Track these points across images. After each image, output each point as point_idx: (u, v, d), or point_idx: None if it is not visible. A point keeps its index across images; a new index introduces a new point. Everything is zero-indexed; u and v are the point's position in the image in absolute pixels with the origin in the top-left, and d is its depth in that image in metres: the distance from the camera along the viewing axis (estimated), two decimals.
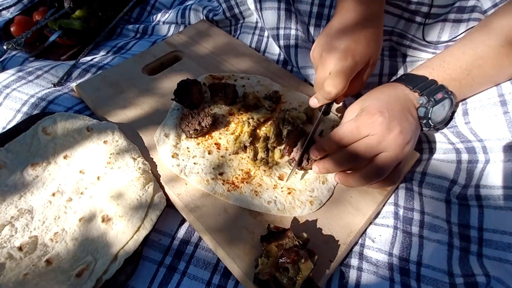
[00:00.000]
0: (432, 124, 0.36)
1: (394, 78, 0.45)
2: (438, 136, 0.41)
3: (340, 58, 0.35)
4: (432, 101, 0.35)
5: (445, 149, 0.40)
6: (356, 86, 0.39)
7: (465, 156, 0.38)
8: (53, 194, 0.38)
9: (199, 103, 0.45)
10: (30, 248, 0.34)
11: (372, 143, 0.32)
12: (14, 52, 0.57)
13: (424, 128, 0.37)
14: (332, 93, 0.35)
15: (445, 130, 0.39)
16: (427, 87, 0.35)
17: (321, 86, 0.37)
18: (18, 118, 0.45)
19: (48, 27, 0.58)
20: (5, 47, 0.52)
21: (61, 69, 0.52)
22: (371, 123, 0.32)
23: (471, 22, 0.43)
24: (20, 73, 0.49)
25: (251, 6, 0.55)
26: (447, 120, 0.37)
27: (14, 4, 0.64)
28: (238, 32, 0.60)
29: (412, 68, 0.41)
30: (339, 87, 0.35)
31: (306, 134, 0.39)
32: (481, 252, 0.34)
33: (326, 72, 0.36)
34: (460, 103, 0.38)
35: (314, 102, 0.39)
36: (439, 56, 0.38)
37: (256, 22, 0.59)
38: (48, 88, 0.49)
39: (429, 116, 0.35)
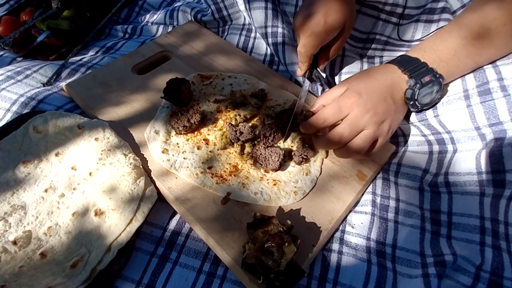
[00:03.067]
0: (419, 106, 0.39)
1: None
2: (412, 129, 0.44)
3: (314, 22, 0.40)
4: (419, 84, 0.37)
5: (418, 141, 0.43)
6: (334, 50, 0.44)
7: (436, 147, 0.41)
8: (46, 190, 0.39)
9: (187, 101, 0.47)
10: (24, 242, 0.35)
11: (353, 123, 0.36)
12: (1, 52, 0.57)
13: (412, 109, 0.40)
14: (302, 51, 0.40)
15: (417, 123, 0.42)
16: (417, 70, 0.38)
17: None
18: (8, 117, 0.45)
19: (36, 27, 0.58)
20: None
21: (50, 69, 0.53)
22: (350, 104, 0.37)
23: (441, 22, 0.46)
24: (9, 73, 0.50)
25: (241, 7, 0.57)
26: (435, 102, 0.40)
27: (1, 5, 0.64)
28: (226, 33, 0.62)
29: None
30: (309, 47, 0.40)
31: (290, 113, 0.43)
32: (450, 234, 0.37)
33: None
34: None
35: (298, 71, 0.44)
36: (430, 39, 0.41)
37: (243, 24, 0.61)
38: (38, 88, 0.49)
39: (416, 97, 0.38)
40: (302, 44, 0.41)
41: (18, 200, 0.38)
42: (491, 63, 0.39)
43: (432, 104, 0.40)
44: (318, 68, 0.47)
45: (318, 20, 0.40)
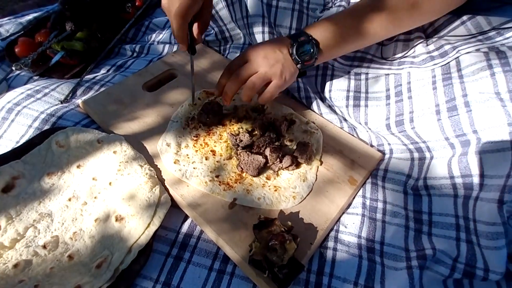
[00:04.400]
0: (299, 60, 0.46)
1: (358, 94, 0.54)
2: (394, 139, 0.49)
3: (172, 4, 0.45)
4: (296, 42, 0.46)
5: (401, 149, 0.48)
6: (206, 18, 0.50)
7: (416, 155, 0.46)
8: (69, 199, 0.43)
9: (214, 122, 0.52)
10: (53, 246, 0.39)
11: (249, 66, 0.46)
12: (18, 72, 0.61)
13: (297, 65, 0.47)
14: (175, 34, 0.46)
15: (398, 134, 0.48)
16: (296, 35, 0.47)
17: None
18: (30, 133, 0.49)
19: (51, 48, 0.63)
20: (13, 68, 0.56)
21: (66, 87, 0.58)
22: (248, 54, 0.47)
23: (415, 40, 0.52)
24: (29, 91, 0.54)
25: (243, 31, 0.63)
26: (314, 60, 0.47)
27: (18, 32, 0.68)
28: (227, 51, 0.67)
29: (373, 84, 0.50)
30: (178, 28, 0.45)
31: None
32: (430, 232, 0.42)
33: None
34: (408, 112, 0.46)
35: (181, 47, 0.50)
36: (318, 20, 0.50)
37: (243, 43, 0.67)
38: (56, 105, 0.54)
39: (294, 53, 0.46)
40: (173, 28, 0.47)
41: (44, 208, 0.42)
42: (458, 78, 0.43)
43: (312, 62, 0.47)
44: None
45: (174, 2, 0.45)
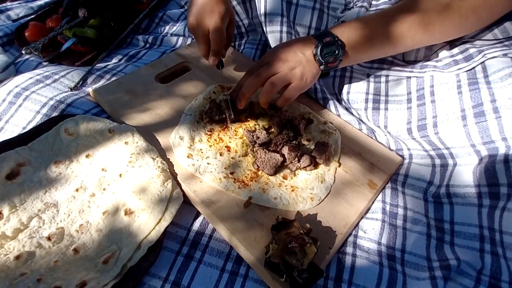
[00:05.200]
0: (323, 61, 0.44)
1: (378, 97, 0.52)
2: (415, 144, 0.47)
3: (204, 28, 0.50)
4: (321, 43, 0.44)
5: (421, 155, 0.47)
6: (230, 34, 0.54)
7: (438, 161, 0.45)
8: (77, 190, 0.41)
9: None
10: (58, 238, 0.37)
11: (269, 67, 0.45)
12: (28, 56, 0.60)
13: (321, 66, 0.45)
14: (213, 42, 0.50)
15: (420, 139, 0.46)
16: (321, 35, 0.45)
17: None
18: (38, 119, 0.48)
19: (62, 34, 0.61)
20: (23, 51, 0.55)
21: (77, 74, 0.56)
22: (268, 56, 0.47)
23: (439, 44, 0.51)
24: (38, 77, 0.52)
25: (258, 29, 0.61)
26: (338, 61, 0.45)
27: (28, 15, 0.66)
28: (242, 47, 0.65)
29: (394, 87, 0.49)
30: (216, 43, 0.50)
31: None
32: (453, 241, 0.40)
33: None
34: (431, 117, 0.44)
35: (211, 62, 0.52)
36: (346, 22, 0.48)
37: (260, 39, 0.65)
38: (65, 92, 0.52)
39: (318, 53, 0.44)
40: (213, 42, 0.50)
41: (50, 198, 0.40)
42: (486, 83, 0.42)
43: (337, 64, 0.46)
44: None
45: (206, 19, 0.49)
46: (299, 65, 0.45)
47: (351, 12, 0.55)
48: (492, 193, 0.38)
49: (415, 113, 0.47)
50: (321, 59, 0.45)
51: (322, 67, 0.45)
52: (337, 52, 0.44)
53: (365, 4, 0.56)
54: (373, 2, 0.57)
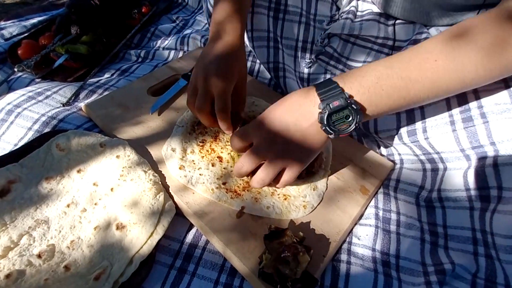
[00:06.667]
0: (332, 132, 0.35)
1: None
2: (405, 149, 0.48)
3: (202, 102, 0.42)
4: (328, 108, 0.34)
5: (412, 160, 0.47)
6: (236, 103, 0.45)
7: (428, 166, 0.45)
8: (68, 206, 0.40)
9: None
10: (48, 256, 0.36)
11: (252, 154, 0.38)
12: (20, 74, 0.60)
13: (330, 136, 0.36)
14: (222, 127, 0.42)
15: (410, 144, 0.47)
16: (329, 94, 0.35)
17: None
18: (29, 135, 0.48)
19: (55, 51, 0.62)
20: (16, 69, 0.55)
21: (69, 90, 0.56)
22: (252, 132, 0.38)
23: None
24: (30, 93, 0.52)
25: (247, 43, 0.63)
26: (352, 129, 0.35)
27: (22, 33, 0.67)
28: None
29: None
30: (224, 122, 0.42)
31: None
32: (447, 245, 0.40)
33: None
34: (421, 121, 0.45)
35: (227, 131, 0.44)
36: (358, 68, 0.37)
37: (250, 51, 0.66)
38: (58, 108, 0.52)
39: (325, 122, 0.34)
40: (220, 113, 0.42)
41: (41, 215, 0.39)
42: (472, 90, 0.42)
43: (351, 131, 0.36)
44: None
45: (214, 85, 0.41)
46: (292, 144, 0.36)
47: (337, 23, 0.56)
48: (483, 196, 0.38)
49: (404, 119, 0.48)
50: (328, 129, 0.35)
51: (332, 136, 0.36)
52: (351, 118, 0.34)
53: (350, 16, 0.57)
54: (358, 13, 0.59)
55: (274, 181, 0.40)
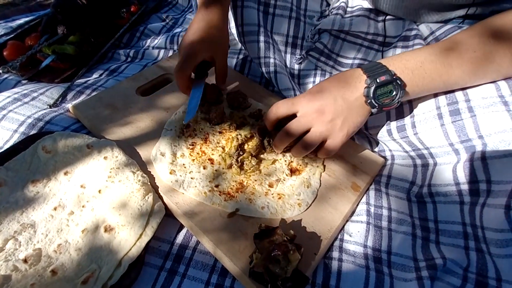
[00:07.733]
0: (376, 105, 0.38)
1: None
2: (395, 145, 0.47)
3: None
4: (375, 82, 0.38)
5: (402, 155, 0.47)
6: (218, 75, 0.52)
7: (418, 161, 0.45)
8: (55, 209, 0.40)
9: (212, 100, 0.53)
10: (34, 260, 0.35)
11: (300, 121, 0.40)
12: (6, 75, 0.59)
13: (372, 110, 0.39)
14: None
15: (400, 140, 0.46)
16: (375, 71, 0.39)
17: None
18: (15, 138, 0.47)
19: (41, 52, 0.61)
20: (1, 70, 0.54)
21: (56, 91, 0.55)
22: (299, 103, 0.41)
23: (415, 47, 0.52)
24: (16, 95, 0.51)
25: (237, 39, 0.62)
26: (396, 104, 0.39)
27: (8, 34, 0.66)
28: None
29: None
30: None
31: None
32: (438, 240, 0.40)
33: None
34: (409, 116, 0.45)
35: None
36: (404, 52, 0.42)
37: (240, 49, 0.66)
38: (44, 109, 0.51)
39: (371, 95, 0.38)
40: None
41: (27, 218, 0.39)
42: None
43: (393, 107, 0.40)
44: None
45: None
46: (338, 116, 0.39)
47: (327, 19, 0.56)
48: (472, 190, 0.38)
49: (393, 114, 0.47)
50: (374, 102, 0.38)
51: (374, 110, 0.39)
52: (395, 93, 0.38)
53: (340, 11, 0.57)
54: (348, 9, 0.59)
55: (313, 152, 0.43)
